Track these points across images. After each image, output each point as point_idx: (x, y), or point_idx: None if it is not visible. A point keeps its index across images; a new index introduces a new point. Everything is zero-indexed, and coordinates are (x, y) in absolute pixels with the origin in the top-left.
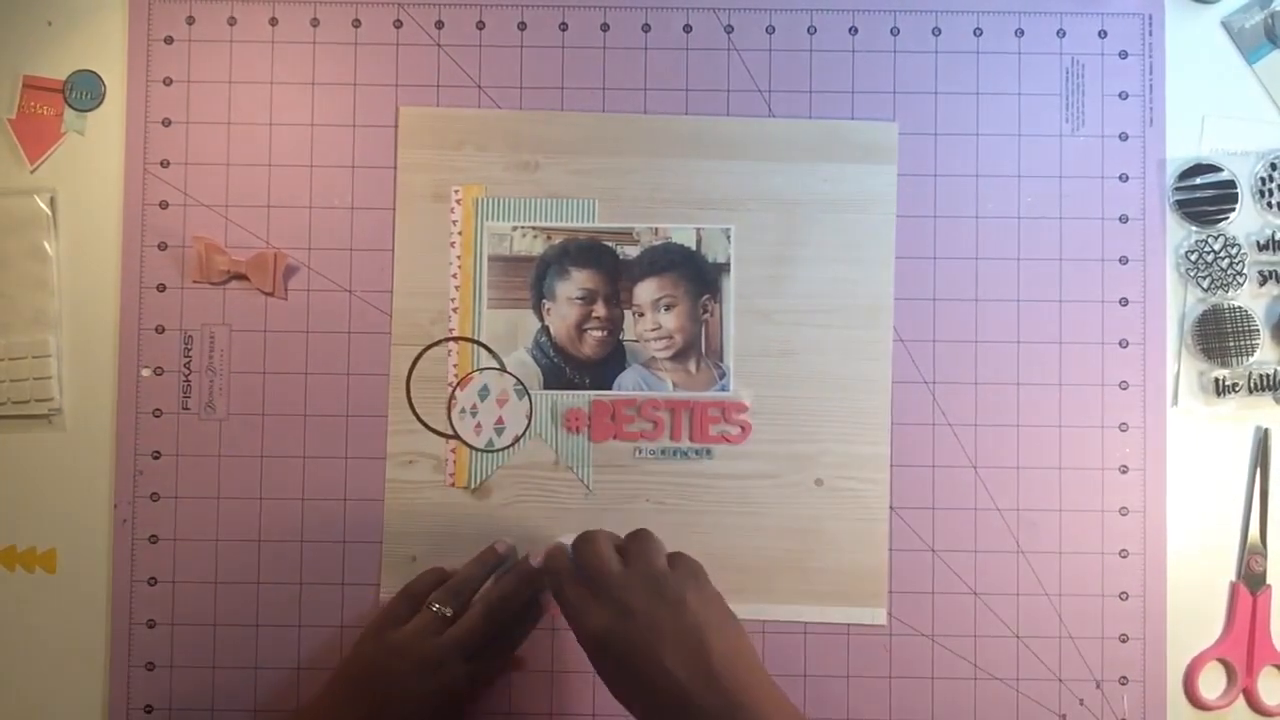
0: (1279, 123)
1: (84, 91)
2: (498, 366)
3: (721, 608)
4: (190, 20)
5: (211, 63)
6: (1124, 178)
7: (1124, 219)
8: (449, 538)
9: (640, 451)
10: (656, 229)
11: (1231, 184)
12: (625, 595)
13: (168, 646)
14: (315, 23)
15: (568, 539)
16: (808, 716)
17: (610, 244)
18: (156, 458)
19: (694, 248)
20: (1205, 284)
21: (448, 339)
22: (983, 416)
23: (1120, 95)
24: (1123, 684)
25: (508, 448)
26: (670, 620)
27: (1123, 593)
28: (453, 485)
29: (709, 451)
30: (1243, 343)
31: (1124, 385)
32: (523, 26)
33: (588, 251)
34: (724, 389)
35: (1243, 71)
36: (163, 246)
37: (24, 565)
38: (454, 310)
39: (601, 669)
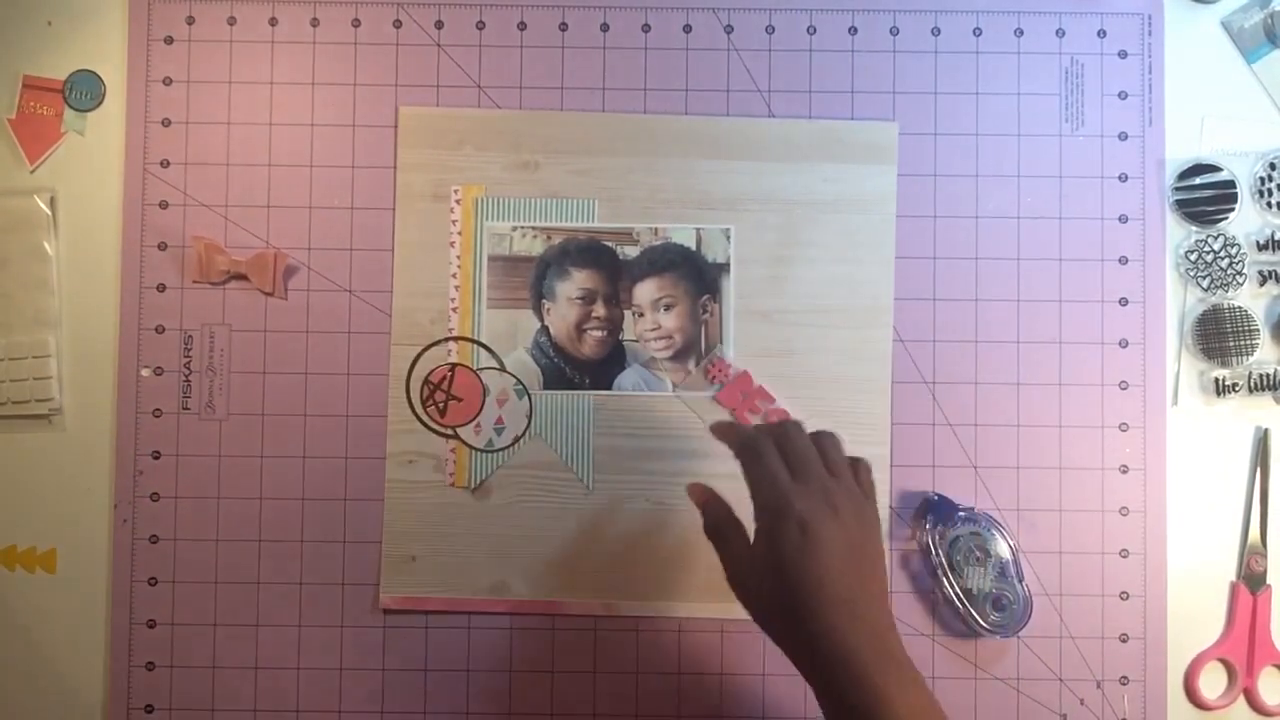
0: (1278, 123)
1: (84, 91)
2: (497, 366)
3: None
4: (190, 20)
5: (211, 63)
6: (1124, 178)
7: (1124, 219)
8: (449, 538)
9: None
10: (656, 229)
11: (1231, 184)
12: (832, 496)
13: (168, 646)
14: (315, 23)
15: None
16: (807, 717)
17: (610, 244)
18: (156, 458)
19: (694, 248)
20: (1205, 284)
21: (447, 339)
22: (983, 416)
23: (1120, 95)
24: (1123, 684)
25: (508, 447)
26: (859, 537)
27: (1123, 593)
28: (453, 485)
29: None
30: (1243, 342)
31: (1124, 385)
32: (523, 26)
33: (587, 251)
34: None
35: (1242, 71)
36: (163, 246)
37: (24, 565)
38: (454, 310)
39: (782, 543)
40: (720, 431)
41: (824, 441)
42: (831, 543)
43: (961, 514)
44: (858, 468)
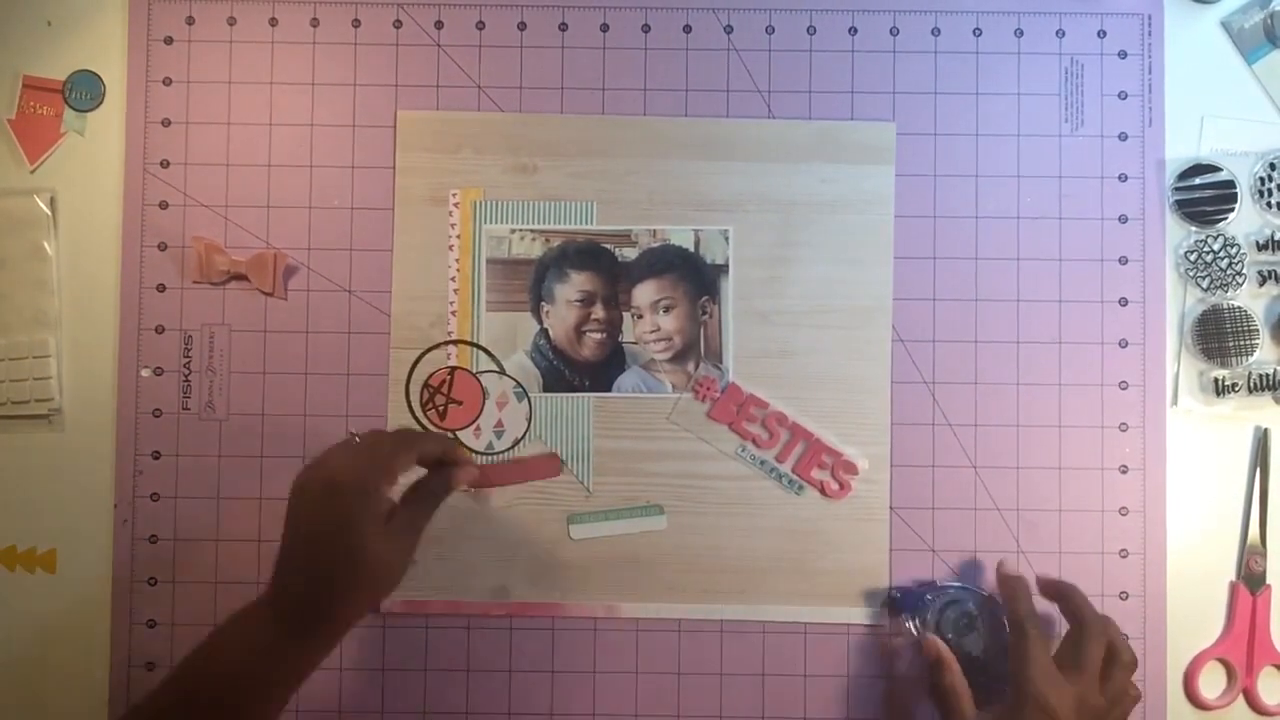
0: (1278, 123)
1: (84, 91)
2: (497, 369)
3: None
4: (190, 20)
5: (211, 63)
6: (1123, 178)
7: (1124, 219)
8: (449, 541)
9: (743, 450)
10: (655, 231)
11: (1231, 184)
12: (1087, 703)
13: (168, 646)
14: (315, 23)
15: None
16: (808, 716)
17: (608, 246)
18: (156, 458)
19: (692, 249)
20: (1205, 284)
21: (447, 342)
22: (983, 416)
23: (1119, 95)
24: None
25: (507, 450)
26: None
27: (1123, 593)
28: None
29: (802, 487)
30: (1242, 343)
31: (1124, 385)
32: (523, 27)
33: (586, 254)
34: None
35: (1242, 71)
36: (163, 246)
37: (24, 565)
38: (453, 313)
39: None
40: (1048, 589)
41: (1115, 637)
42: None
43: (928, 597)
44: (1119, 673)
